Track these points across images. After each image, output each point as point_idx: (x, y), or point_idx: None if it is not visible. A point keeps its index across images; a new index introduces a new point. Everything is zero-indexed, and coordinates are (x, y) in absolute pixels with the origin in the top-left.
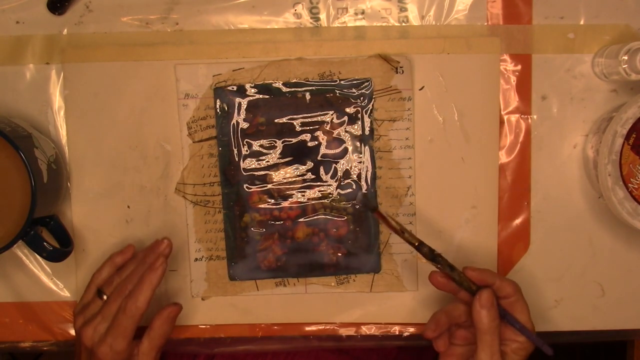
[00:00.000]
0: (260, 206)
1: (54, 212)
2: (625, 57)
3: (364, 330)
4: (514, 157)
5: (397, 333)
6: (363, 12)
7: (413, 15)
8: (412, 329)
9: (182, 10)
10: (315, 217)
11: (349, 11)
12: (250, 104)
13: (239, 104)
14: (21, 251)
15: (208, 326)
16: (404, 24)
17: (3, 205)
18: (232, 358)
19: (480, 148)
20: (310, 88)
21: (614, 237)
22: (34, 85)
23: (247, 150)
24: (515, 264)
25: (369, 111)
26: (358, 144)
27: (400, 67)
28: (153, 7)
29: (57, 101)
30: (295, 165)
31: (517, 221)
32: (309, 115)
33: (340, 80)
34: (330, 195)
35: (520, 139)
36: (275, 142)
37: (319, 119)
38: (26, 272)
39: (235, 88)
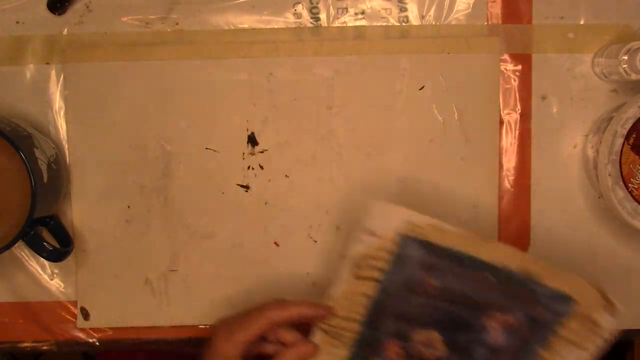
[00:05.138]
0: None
1: (54, 212)
2: (625, 57)
3: None
4: (514, 157)
5: None
6: (363, 12)
7: (413, 15)
8: None
9: (182, 10)
10: None
11: (349, 11)
12: (431, 264)
13: (422, 260)
14: (21, 251)
15: (208, 326)
16: (404, 24)
17: (3, 205)
18: None
19: (480, 148)
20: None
21: (614, 237)
22: (34, 85)
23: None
24: None
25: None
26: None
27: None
28: (153, 7)
29: (57, 101)
30: (445, 336)
31: (517, 221)
32: (488, 297)
33: (538, 283)
34: None
35: (520, 139)
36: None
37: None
38: (26, 272)
39: (423, 241)
